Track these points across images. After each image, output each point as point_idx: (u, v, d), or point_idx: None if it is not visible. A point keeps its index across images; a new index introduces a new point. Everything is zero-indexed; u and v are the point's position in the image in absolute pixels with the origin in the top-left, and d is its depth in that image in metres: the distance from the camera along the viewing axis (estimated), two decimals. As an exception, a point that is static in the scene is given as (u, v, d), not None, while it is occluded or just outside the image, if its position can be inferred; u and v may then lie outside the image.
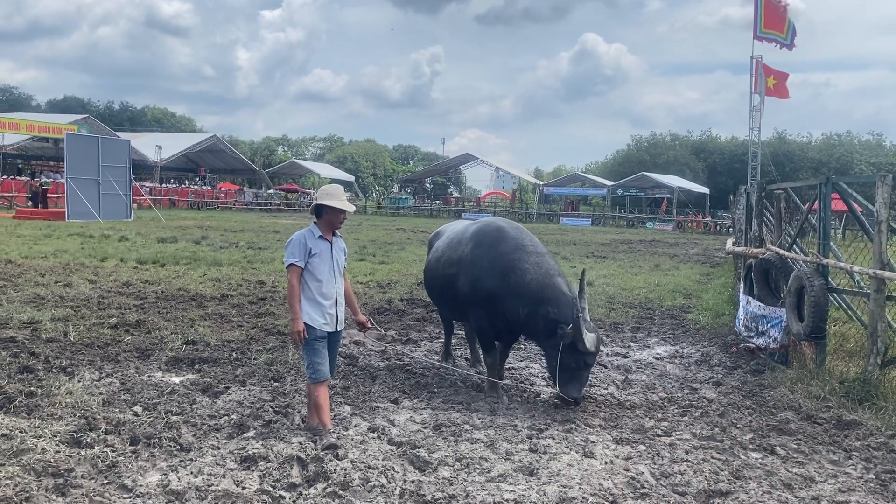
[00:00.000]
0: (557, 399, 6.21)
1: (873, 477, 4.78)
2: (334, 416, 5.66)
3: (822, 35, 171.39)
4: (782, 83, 41.34)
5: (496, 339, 6.71)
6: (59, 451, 4.58)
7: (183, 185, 56.20)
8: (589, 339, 5.91)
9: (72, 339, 7.76)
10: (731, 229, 24.81)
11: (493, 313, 6.46)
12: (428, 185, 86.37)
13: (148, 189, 46.50)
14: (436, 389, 6.74)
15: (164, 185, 53.41)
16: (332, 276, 5.21)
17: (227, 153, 65.39)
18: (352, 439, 5.13)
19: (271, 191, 65.79)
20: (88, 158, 31.25)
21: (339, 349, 5.94)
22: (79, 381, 6.12)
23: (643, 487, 4.47)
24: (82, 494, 4.00)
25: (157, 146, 54.08)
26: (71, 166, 30.60)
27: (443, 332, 8.29)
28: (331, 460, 4.58)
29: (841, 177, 7.95)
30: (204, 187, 58.43)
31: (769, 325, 8.31)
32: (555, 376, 6.14)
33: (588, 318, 6.24)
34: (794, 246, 8.98)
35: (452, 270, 6.76)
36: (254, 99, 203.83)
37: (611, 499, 4.30)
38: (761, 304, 8.67)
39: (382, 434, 5.29)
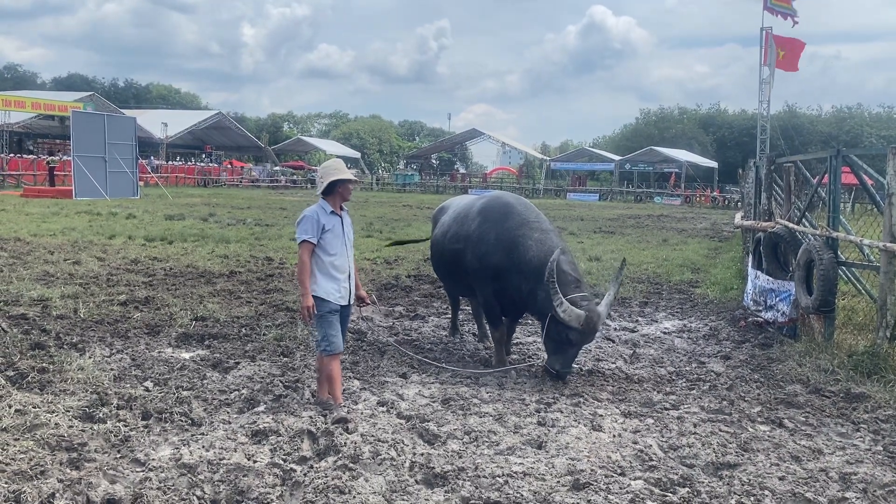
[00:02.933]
0: (542, 371, 6.31)
1: (881, 449, 4.78)
2: (343, 390, 5.69)
3: (833, 6, 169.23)
4: (793, 55, 40.75)
5: (503, 314, 6.72)
6: (72, 426, 4.64)
7: (189, 163, 56.16)
8: (573, 314, 5.82)
9: (82, 315, 7.81)
10: (739, 203, 24.71)
11: (498, 289, 6.47)
12: (434, 162, 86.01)
13: (154, 166, 46.49)
14: (444, 364, 6.76)
15: (170, 162, 53.38)
16: (344, 250, 5.27)
17: (233, 130, 65.24)
18: (361, 413, 5.17)
19: (278, 168, 65.67)
20: (95, 136, 31.17)
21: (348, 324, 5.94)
22: (90, 358, 6.18)
23: (651, 460, 4.49)
24: (96, 468, 4.04)
25: (162, 123, 53.95)
26: (77, 144, 30.56)
27: (450, 307, 8.30)
28: (341, 434, 4.62)
29: (851, 149, 7.88)
30: (210, 164, 58.36)
31: (778, 298, 8.29)
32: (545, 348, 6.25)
33: (605, 303, 6.24)
34: (804, 219, 8.94)
35: (459, 245, 6.75)
36: (259, 75, 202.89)
37: (619, 471, 4.32)
38: (770, 278, 8.65)
39: (392, 408, 5.32)
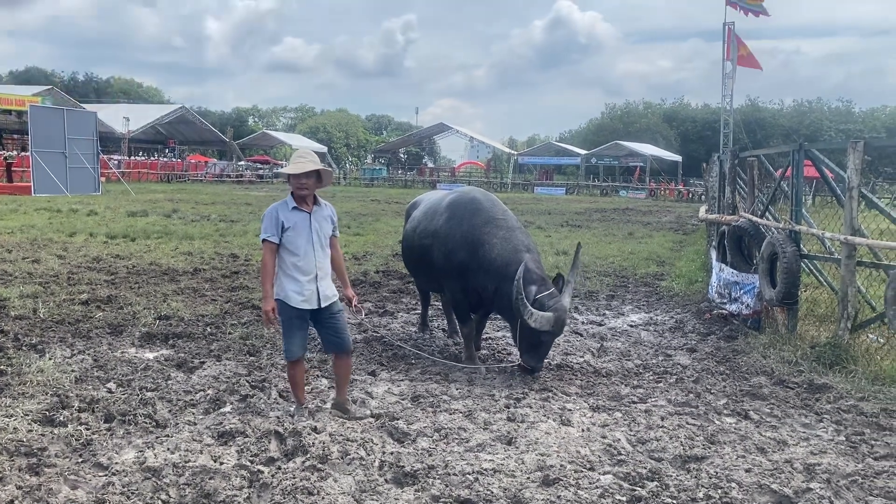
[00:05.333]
0: (518, 367, 6.29)
1: (843, 439, 4.87)
2: (311, 389, 5.64)
3: (793, 1, 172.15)
4: (754, 56, 41.50)
5: (472, 311, 6.70)
6: (31, 430, 4.51)
7: (152, 158, 55.19)
8: (542, 319, 5.80)
9: (41, 315, 7.62)
10: (703, 197, 25.02)
11: (466, 286, 6.45)
12: (402, 156, 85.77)
13: (116, 162, 45.62)
14: (413, 361, 6.73)
15: (132, 157, 52.40)
16: (311, 250, 4.85)
17: (196, 124, 64.30)
18: (329, 412, 5.12)
19: (242, 162, 64.84)
20: (54, 131, 30.46)
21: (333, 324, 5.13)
22: (50, 359, 6.02)
23: (620, 454, 4.51)
24: (56, 473, 3.94)
25: (124, 118, 52.99)
26: (36, 139, 29.83)
27: (419, 303, 8.26)
28: (309, 434, 4.56)
29: (813, 143, 8.00)
30: (174, 160, 57.45)
31: (742, 291, 8.40)
32: (517, 346, 6.21)
33: (567, 294, 6.22)
34: (767, 212, 9.07)
35: (428, 241, 6.72)
36: (224, 69, 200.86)
37: (588, 465, 4.34)
38: (734, 271, 8.76)
39: (361, 406, 5.28)
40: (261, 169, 61.54)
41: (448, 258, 6.46)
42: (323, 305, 4.94)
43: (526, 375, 6.17)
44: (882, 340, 6.91)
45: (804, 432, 5.02)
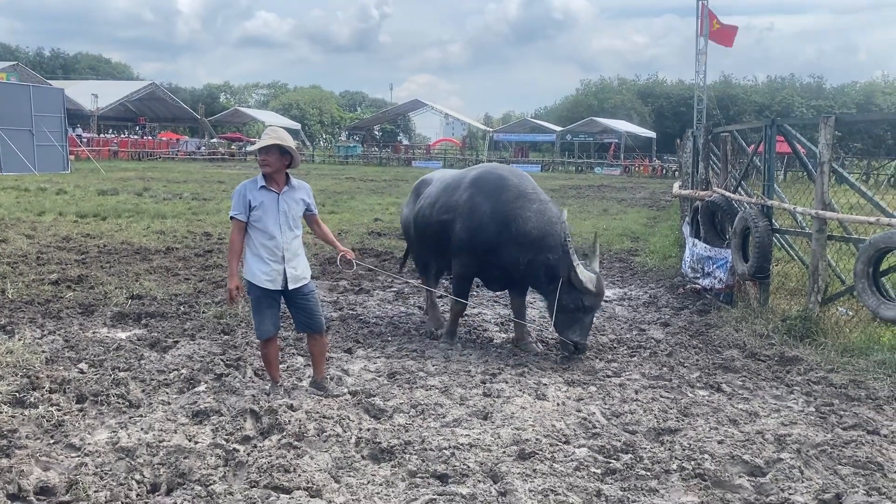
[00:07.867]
0: (560, 345, 6.16)
1: (813, 410, 4.96)
2: (287, 367, 5.62)
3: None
4: (727, 32, 41.60)
5: (491, 287, 6.93)
6: (1, 412, 4.44)
7: (122, 136, 54.23)
8: (586, 276, 5.85)
9: (10, 296, 7.50)
10: (677, 173, 25.18)
11: (486, 262, 6.35)
12: (377, 133, 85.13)
13: (85, 140, 44.79)
14: (389, 338, 6.73)
15: (101, 135, 51.45)
16: (278, 230, 4.80)
17: (167, 101, 63.18)
18: (306, 390, 5.11)
19: (214, 140, 63.93)
20: (20, 108, 29.80)
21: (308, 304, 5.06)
22: (20, 340, 5.93)
23: (595, 427, 4.56)
24: (28, 455, 3.89)
25: (92, 95, 51.90)
26: (2, 117, 29.17)
27: (421, 280, 7.72)
28: (285, 412, 4.54)
29: (785, 119, 8.06)
30: (144, 137, 56.48)
31: (715, 266, 8.49)
32: (553, 321, 6.07)
33: (596, 268, 6.19)
34: (740, 188, 9.14)
35: (448, 216, 6.52)
36: (195, 44, 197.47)
37: (563, 439, 4.37)
38: (707, 246, 8.84)
39: (337, 384, 5.27)
40: (243, 146, 60.50)
41: (472, 234, 6.29)
42: (291, 287, 4.89)
43: (571, 356, 6.02)
44: (851, 313, 7.04)
45: (775, 404, 5.10)
